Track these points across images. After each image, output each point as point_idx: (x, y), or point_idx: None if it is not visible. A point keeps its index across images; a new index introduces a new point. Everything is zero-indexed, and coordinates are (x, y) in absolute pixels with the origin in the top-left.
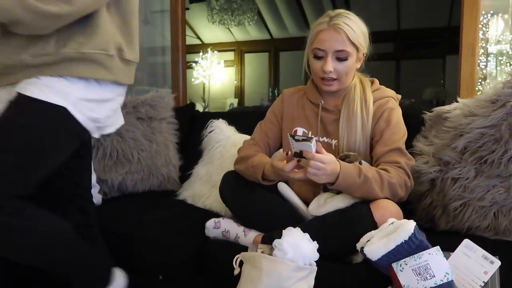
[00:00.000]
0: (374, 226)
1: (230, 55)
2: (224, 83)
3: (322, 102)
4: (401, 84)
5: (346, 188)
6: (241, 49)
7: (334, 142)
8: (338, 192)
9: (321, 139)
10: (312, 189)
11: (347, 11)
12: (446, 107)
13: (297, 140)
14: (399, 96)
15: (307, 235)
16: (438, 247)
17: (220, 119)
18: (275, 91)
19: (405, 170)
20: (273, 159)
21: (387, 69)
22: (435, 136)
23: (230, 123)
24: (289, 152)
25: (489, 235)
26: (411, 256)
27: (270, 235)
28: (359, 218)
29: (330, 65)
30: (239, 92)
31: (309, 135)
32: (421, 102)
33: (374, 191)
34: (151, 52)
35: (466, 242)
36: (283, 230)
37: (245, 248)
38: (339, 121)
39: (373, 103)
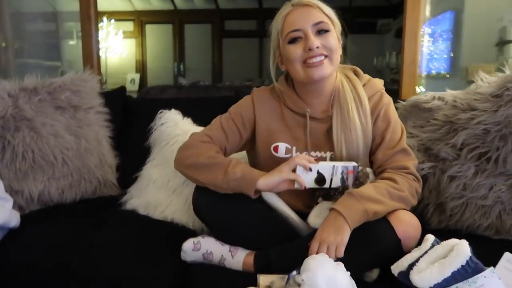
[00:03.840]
0: (397, 243)
1: (129, 26)
2: (123, 56)
3: (309, 110)
4: None
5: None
6: (141, 19)
7: (329, 154)
8: None
9: (312, 154)
10: (300, 196)
11: None
12: (422, 97)
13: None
14: (382, 81)
15: (341, 265)
16: (492, 268)
17: (173, 110)
18: (181, 66)
19: (414, 175)
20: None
21: None
22: (414, 127)
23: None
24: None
25: (490, 234)
26: (465, 281)
27: (265, 253)
28: (380, 235)
29: (315, 39)
30: (141, 67)
31: (293, 152)
32: None
33: (387, 212)
34: (32, 18)
35: (508, 256)
36: (309, 260)
37: (237, 273)
38: (332, 130)
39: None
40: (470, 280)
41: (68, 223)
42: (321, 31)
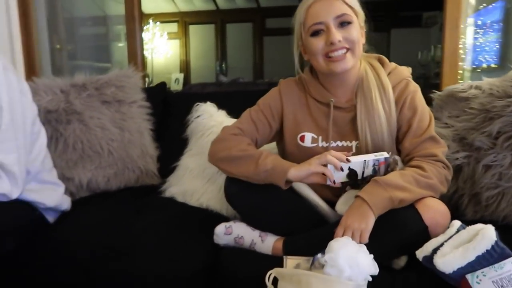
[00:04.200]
0: (425, 229)
1: (173, 27)
2: (168, 57)
3: (333, 100)
4: None
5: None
6: (185, 20)
7: (354, 143)
8: None
9: (334, 145)
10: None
11: None
12: (459, 86)
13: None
14: (410, 69)
15: (363, 247)
16: None
17: (208, 102)
18: (223, 65)
19: (444, 162)
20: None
21: None
22: (450, 117)
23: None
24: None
25: None
26: (491, 266)
27: (293, 239)
28: (407, 222)
29: (337, 33)
30: (185, 67)
31: (319, 142)
32: None
33: (415, 199)
34: (88, 22)
35: None
36: (332, 242)
37: (266, 257)
38: (357, 119)
39: (391, 88)
40: (496, 265)
41: (112, 208)
42: (344, 23)
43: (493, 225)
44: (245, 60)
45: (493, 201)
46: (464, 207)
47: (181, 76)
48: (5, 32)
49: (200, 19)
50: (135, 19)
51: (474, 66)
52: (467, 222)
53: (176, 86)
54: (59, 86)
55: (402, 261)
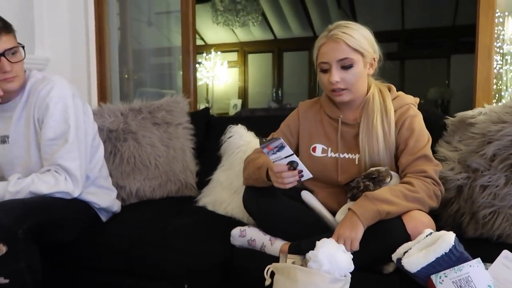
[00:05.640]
0: (407, 237)
1: (233, 56)
2: (227, 84)
3: (341, 116)
4: (405, 84)
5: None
6: (244, 49)
7: (356, 156)
8: None
9: (341, 156)
10: (336, 198)
11: (347, 21)
12: (470, 112)
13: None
14: (418, 100)
15: (342, 246)
16: (479, 259)
17: (240, 125)
18: (279, 91)
19: (433, 178)
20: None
21: (391, 69)
22: (459, 141)
23: (249, 128)
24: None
25: None
26: (451, 268)
27: (297, 244)
28: (391, 230)
29: (336, 75)
30: (243, 93)
31: (328, 153)
32: (426, 101)
33: (402, 212)
34: (155, 53)
35: (506, 253)
36: (317, 242)
37: (273, 258)
38: (359, 134)
39: (394, 112)
40: (456, 268)
41: (154, 212)
42: (345, 66)
43: (488, 242)
44: (301, 86)
45: (489, 219)
46: (465, 225)
47: (239, 102)
48: (84, 63)
49: (259, 48)
50: (190, 53)
51: None
52: (468, 240)
53: (234, 111)
54: (120, 110)
55: (391, 267)
